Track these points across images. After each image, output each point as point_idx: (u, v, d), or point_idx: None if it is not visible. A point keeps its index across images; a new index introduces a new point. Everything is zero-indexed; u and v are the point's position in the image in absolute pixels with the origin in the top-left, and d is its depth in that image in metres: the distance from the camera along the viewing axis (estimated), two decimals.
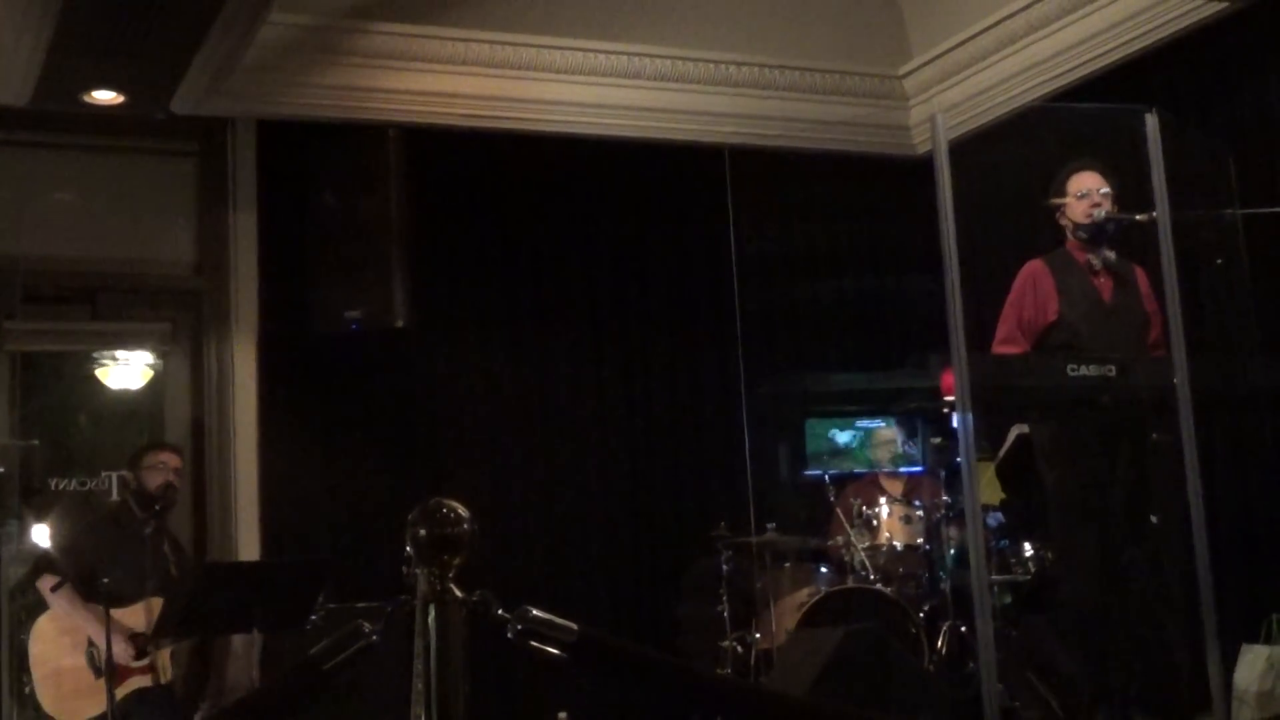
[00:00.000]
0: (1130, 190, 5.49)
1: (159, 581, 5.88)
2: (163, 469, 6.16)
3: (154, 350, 7.67)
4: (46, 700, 5.75)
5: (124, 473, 7.18)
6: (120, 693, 5.69)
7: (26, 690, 5.82)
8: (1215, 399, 5.30)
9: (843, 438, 7.92)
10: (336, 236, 7.34)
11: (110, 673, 5.47)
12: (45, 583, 5.79)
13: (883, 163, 8.44)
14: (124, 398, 7.68)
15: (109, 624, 5.44)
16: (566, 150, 7.93)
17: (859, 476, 7.76)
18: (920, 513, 6.98)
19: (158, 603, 5.78)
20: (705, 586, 7.30)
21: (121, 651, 5.63)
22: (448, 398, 7.85)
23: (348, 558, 6.97)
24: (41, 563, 5.94)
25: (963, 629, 6.52)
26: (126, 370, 7.71)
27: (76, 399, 7.64)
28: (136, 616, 5.79)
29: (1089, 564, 5.31)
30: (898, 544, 6.99)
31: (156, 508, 6.04)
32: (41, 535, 6.47)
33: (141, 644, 5.68)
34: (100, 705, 5.61)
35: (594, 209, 8.23)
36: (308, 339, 7.43)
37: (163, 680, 5.90)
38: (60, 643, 5.77)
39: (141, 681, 5.80)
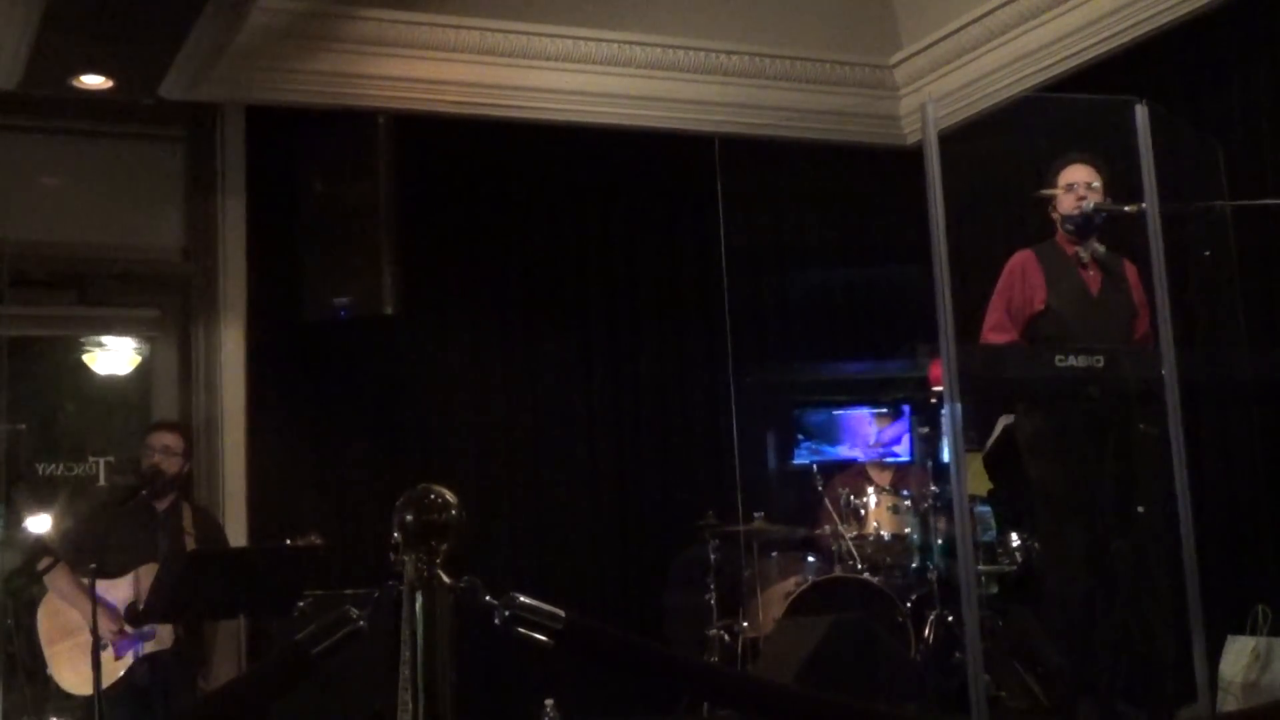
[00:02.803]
0: (1119, 182, 5.50)
1: (166, 559, 5.89)
2: (149, 451, 6.16)
3: (142, 336, 7.66)
4: (63, 677, 5.78)
5: (110, 458, 7.21)
6: (125, 662, 5.74)
7: (48, 671, 5.82)
8: (1202, 391, 5.32)
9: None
10: (325, 223, 7.32)
11: (96, 650, 5.48)
12: (41, 565, 5.82)
13: (872, 152, 8.43)
14: (111, 383, 7.67)
15: (95, 602, 5.44)
16: (556, 138, 7.91)
17: (847, 466, 7.77)
18: (908, 502, 7.00)
19: (146, 571, 5.79)
20: (693, 575, 7.31)
21: (104, 622, 5.64)
22: (436, 385, 7.84)
23: (335, 543, 6.95)
24: (37, 546, 5.95)
25: (949, 619, 6.54)
26: (114, 356, 7.70)
27: (64, 384, 7.63)
28: (125, 588, 5.81)
29: (1075, 555, 5.32)
30: (885, 534, 7.00)
31: (144, 490, 6.04)
32: (32, 519, 6.47)
33: (132, 614, 5.70)
34: (113, 673, 5.68)
35: (583, 197, 8.23)
36: (296, 326, 7.42)
37: (164, 646, 5.90)
38: (67, 618, 5.78)
39: (151, 647, 5.82)
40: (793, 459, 7.98)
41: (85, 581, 5.56)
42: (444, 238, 7.85)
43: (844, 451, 7.90)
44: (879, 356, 8.12)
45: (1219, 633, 5.75)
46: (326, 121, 7.41)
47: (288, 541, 6.08)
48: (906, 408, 7.60)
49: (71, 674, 5.76)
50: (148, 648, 5.81)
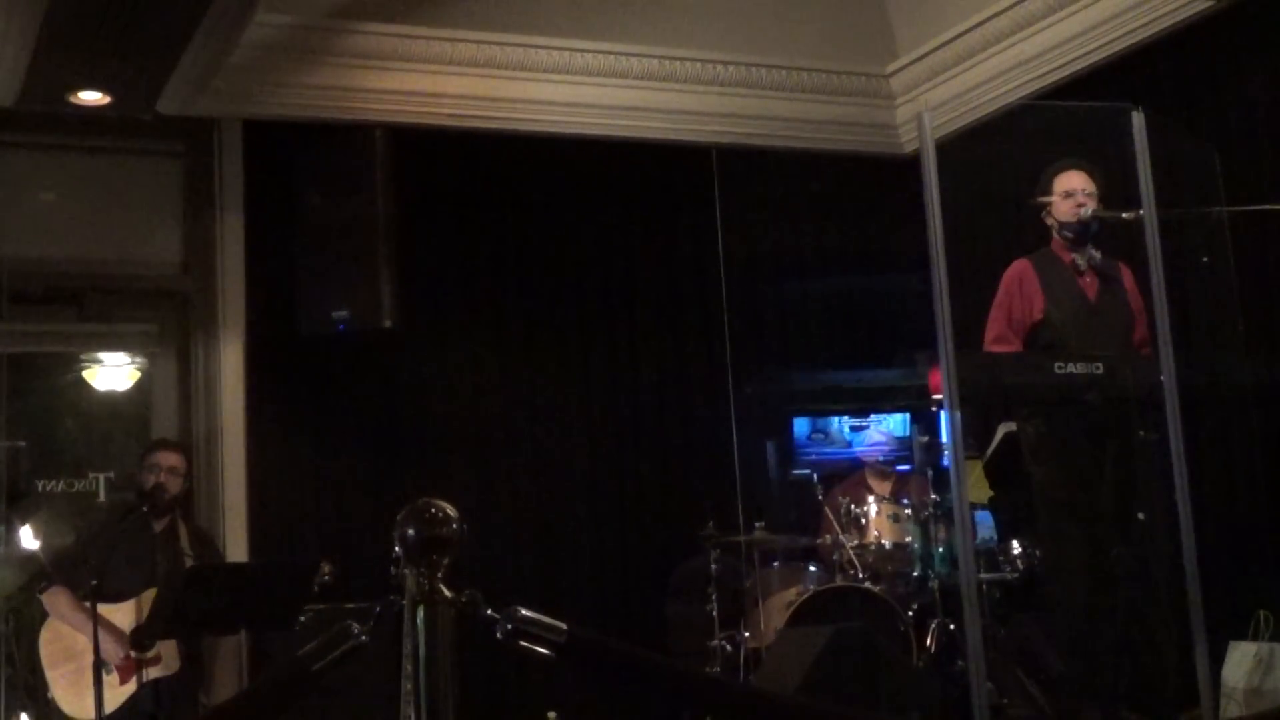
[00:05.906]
0: (1116, 188, 5.51)
1: (165, 578, 5.87)
2: (154, 469, 6.15)
3: (141, 351, 7.66)
4: (65, 700, 5.75)
5: (111, 474, 7.20)
6: (130, 688, 5.72)
7: (50, 695, 5.79)
8: (1201, 396, 5.32)
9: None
10: (323, 237, 7.31)
11: (98, 671, 5.46)
12: (38, 589, 5.81)
13: (869, 161, 8.44)
14: (111, 399, 7.67)
15: (95, 622, 5.42)
16: (553, 150, 7.92)
17: (847, 474, 7.76)
18: (909, 511, 6.99)
19: (149, 598, 5.77)
20: (694, 585, 7.30)
21: (111, 649, 5.63)
22: (435, 398, 7.83)
23: (336, 558, 6.95)
24: (34, 567, 5.94)
25: (951, 627, 6.53)
26: (113, 372, 7.69)
27: (63, 400, 7.62)
28: (128, 614, 5.79)
29: (1077, 562, 5.32)
30: (886, 542, 6.99)
31: (144, 508, 6.02)
32: (29, 537, 6.46)
33: (137, 638, 5.68)
34: (118, 699, 5.66)
35: (581, 209, 8.22)
36: (295, 340, 7.40)
37: (170, 671, 5.89)
38: (69, 642, 5.77)
39: (156, 672, 5.80)
40: (793, 468, 7.97)
41: (88, 605, 5.53)
42: (442, 250, 7.85)
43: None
44: (878, 365, 8.13)
45: (1221, 638, 5.74)
46: (324, 135, 7.41)
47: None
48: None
49: (74, 698, 5.73)
50: (153, 673, 5.79)
